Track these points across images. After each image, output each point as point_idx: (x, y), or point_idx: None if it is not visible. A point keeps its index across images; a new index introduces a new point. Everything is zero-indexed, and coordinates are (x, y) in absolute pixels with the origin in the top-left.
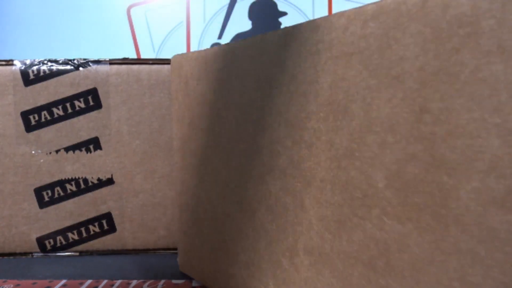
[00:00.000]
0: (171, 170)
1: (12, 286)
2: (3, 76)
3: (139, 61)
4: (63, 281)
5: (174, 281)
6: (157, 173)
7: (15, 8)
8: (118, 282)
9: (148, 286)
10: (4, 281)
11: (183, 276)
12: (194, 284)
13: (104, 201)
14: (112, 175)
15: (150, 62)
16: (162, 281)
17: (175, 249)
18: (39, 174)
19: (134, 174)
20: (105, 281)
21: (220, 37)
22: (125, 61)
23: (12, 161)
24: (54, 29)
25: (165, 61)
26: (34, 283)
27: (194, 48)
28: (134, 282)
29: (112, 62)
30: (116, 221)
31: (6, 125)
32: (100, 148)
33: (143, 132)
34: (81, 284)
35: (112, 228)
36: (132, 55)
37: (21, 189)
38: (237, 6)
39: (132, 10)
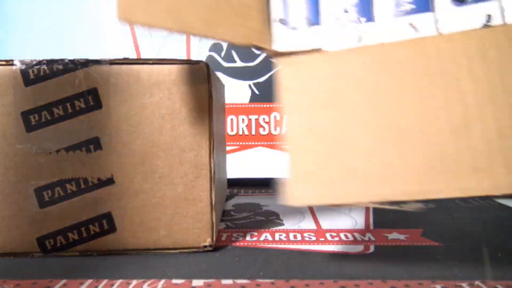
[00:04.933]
0: (171, 170)
1: (12, 286)
2: (3, 76)
3: (139, 61)
4: (63, 281)
5: (174, 281)
6: (157, 173)
7: (14, 8)
8: (118, 282)
9: (148, 286)
10: (4, 281)
11: (183, 276)
12: (194, 284)
13: (104, 201)
14: (112, 175)
15: (150, 62)
16: (162, 281)
17: (175, 248)
18: (40, 174)
19: (134, 174)
20: (105, 281)
21: None
22: (125, 61)
23: (12, 161)
24: (54, 29)
25: (165, 61)
26: (34, 283)
27: (194, 48)
28: (134, 282)
29: (112, 62)
30: (116, 221)
31: (6, 125)
32: (100, 148)
33: (143, 132)
34: (81, 284)
35: (112, 228)
36: (132, 55)
37: (21, 189)
38: None
39: None
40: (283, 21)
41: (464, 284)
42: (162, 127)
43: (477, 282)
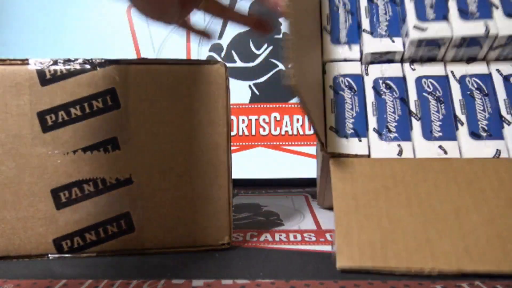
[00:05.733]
0: (190, 170)
1: (12, 286)
2: (18, 75)
3: (158, 61)
4: (63, 281)
5: (174, 281)
6: (175, 172)
7: (13, 8)
8: (118, 282)
9: (148, 286)
10: (5, 281)
11: (182, 276)
12: (194, 284)
13: (122, 201)
14: (130, 175)
15: (170, 62)
16: (162, 281)
17: (194, 246)
18: (56, 175)
19: (153, 174)
20: (105, 281)
21: (220, 37)
22: (143, 61)
23: (28, 162)
24: (53, 29)
25: (184, 62)
26: (34, 283)
27: (194, 48)
28: (134, 282)
29: (130, 62)
30: (135, 221)
31: (22, 125)
32: (119, 148)
33: (161, 131)
34: (81, 284)
35: (130, 228)
36: (132, 55)
37: (37, 190)
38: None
39: (132, 10)
40: (334, 129)
41: (464, 284)
42: (181, 127)
43: (477, 282)
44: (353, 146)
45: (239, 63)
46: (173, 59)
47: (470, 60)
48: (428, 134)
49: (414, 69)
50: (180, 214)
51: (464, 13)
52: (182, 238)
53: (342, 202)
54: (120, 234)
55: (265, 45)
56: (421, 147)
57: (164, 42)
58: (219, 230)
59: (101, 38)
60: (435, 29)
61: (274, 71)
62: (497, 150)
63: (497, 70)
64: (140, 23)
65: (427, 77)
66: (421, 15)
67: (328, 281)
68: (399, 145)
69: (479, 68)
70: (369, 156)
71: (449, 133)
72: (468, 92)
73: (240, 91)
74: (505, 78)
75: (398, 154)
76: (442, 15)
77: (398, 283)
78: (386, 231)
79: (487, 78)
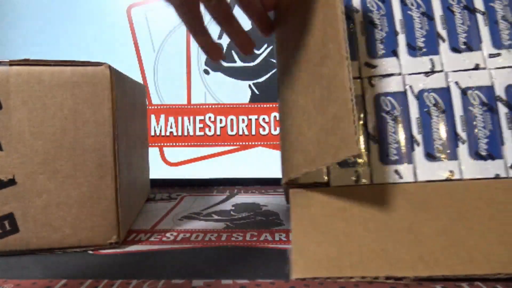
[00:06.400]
0: (75, 170)
1: (12, 286)
2: None
3: (40, 62)
4: (63, 281)
5: (173, 281)
6: (61, 173)
7: (14, 8)
8: (118, 282)
9: (148, 286)
10: (5, 281)
11: (181, 276)
12: (194, 284)
13: (5, 202)
14: (14, 176)
15: (52, 63)
16: (162, 281)
17: (81, 246)
18: None
19: (37, 175)
20: (105, 281)
21: (220, 37)
22: (26, 63)
23: None
24: (53, 29)
25: (67, 63)
26: (34, 283)
27: (194, 48)
28: (134, 282)
29: (12, 63)
30: (19, 221)
31: None
32: (1, 149)
33: (45, 132)
34: (81, 284)
35: (14, 229)
36: (132, 55)
37: None
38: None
39: (132, 10)
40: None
41: (464, 284)
42: (65, 128)
43: (477, 282)
44: (312, 174)
45: (239, 63)
46: (57, 60)
47: (429, 72)
48: (384, 158)
49: (373, 85)
50: (65, 215)
51: (412, 49)
52: (69, 238)
53: (300, 224)
54: (4, 235)
55: (265, 45)
56: (378, 172)
57: (164, 42)
58: (107, 230)
59: (101, 38)
60: (384, 67)
61: (274, 71)
62: (450, 171)
63: (456, 82)
64: (140, 23)
65: (385, 94)
66: (372, 51)
67: (328, 281)
68: (356, 171)
69: (437, 81)
70: (327, 183)
71: (405, 155)
72: (425, 109)
73: (240, 91)
74: (463, 92)
75: (355, 181)
76: (391, 50)
77: (398, 283)
78: (343, 245)
79: (445, 92)
